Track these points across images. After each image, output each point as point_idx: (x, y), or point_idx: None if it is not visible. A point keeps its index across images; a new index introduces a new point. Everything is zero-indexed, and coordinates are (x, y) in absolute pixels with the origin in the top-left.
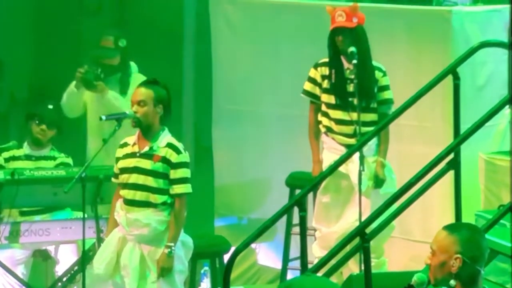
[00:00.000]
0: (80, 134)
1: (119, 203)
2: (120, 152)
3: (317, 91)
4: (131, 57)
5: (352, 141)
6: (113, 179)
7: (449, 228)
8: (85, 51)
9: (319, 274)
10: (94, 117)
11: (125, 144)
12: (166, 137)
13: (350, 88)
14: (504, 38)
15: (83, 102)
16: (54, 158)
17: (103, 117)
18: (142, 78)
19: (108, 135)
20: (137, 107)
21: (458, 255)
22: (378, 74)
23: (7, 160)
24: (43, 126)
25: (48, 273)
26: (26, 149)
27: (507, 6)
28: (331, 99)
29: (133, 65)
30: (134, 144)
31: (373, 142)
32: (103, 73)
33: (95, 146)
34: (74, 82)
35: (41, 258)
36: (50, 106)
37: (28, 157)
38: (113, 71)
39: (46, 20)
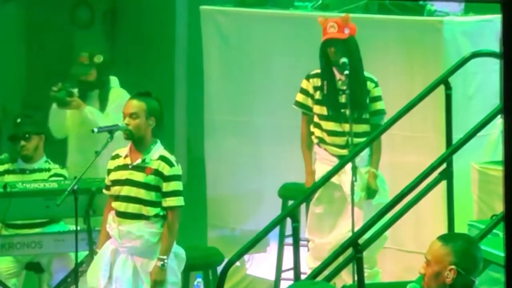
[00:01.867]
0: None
1: (111, 216)
2: (112, 164)
3: (309, 102)
4: (110, 72)
5: (344, 152)
6: (104, 191)
7: (444, 238)
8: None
9: None
10: (74, 134)
11: (117, 156)
12: (158, 149)
13: (342, 99)
14: (496, 48)
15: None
16: (48, 170)
17: (95, 129)
18: (122, 92)
19: (101, 147)
20: (129, 120)
21: (453, 266)
22: (370, 85)
23: (1, 173)
24: (22, 142)
25: (40, 286)
26: (20, 164)
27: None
28: (323, 110)
29: (113, 79)
30: (126, 156)
31: (365, 152)
32: (82, 89)
33: (75, 162)
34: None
35: (34, 271)
36: (19, 120)
37: (22, 171)
38: (91, 87)
39: (38, 33)
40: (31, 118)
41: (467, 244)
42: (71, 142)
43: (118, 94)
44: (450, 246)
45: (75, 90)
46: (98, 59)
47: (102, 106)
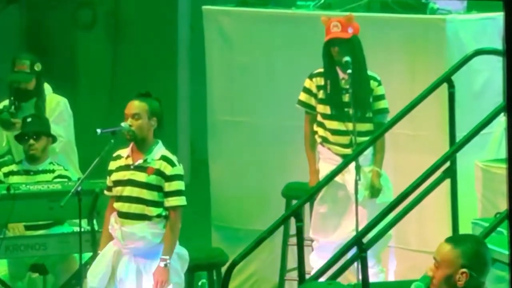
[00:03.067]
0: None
1: (113, 217)
2: (113, 165)
3: (312, 101)
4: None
5: (348, 151)
6: (106, 192)
7: (453, 241)
8: (80, 64)
9: None
10: (18, 151)
11: (118, 157)
12: (160, 149)
13: (346, 98)
14: (499, 45)
15: (6, 138)
16: (52, 171)
17: (98, 131)
18: (58, 98)
19: (104, 150)
20: (131, 120)
21: (465, 270)
22: (373, 84)
23: (6, 175)
24: (30, 141)
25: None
26: (24, 165)
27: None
28: (327, 110)
29: (47, 86)
30: (128, 156)
31: (369, 151)
32: (18, 99)
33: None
34: None
35: (38, 273)
36: (29, 119)
37: (26, 172)
38: (28, 96)
39: (39, 35)
40: (41, 118)
41: (478, 246)
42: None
43: (54, 101)
44: (461, 248)
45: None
46: (38, 67)
47: (39, 117)
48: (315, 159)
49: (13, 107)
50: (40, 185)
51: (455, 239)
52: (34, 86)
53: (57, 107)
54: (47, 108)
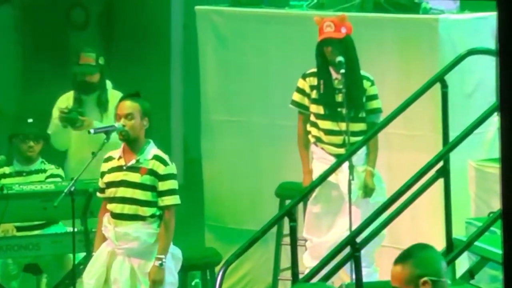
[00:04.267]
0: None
1: (106, 218)
2: (105, 166)
3: (305, 101)
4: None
5: (341, 151)
6: (98, 194)
7: (400, 259)
8: (73, 65)
9: None
10: (76, 146)
11: (110, 158)
12: (152, 149)
13: (339, 98)
14: (492, 45)
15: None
16: (44, 171)
17: (92, 131)
18: (119, 94)
19: (97, 149)
20: (124, 120)
21: (424, 278)
22: (366, 84)
23: None
24: (30, 143)
25: (39, 287)
26: (16, 166)
27: (494, 13)
28: (320, 110)
29: (108, 82)
30: (120, 157)
31: (362, 151)
32: (81, 91)
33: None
34: (56, 118)
35: (32, 273)
36: (30, 120)
37: (18, 173)
38: (92, 89)
39: (33, 35)
40: (40, 121)
41: (423, 251)
42: (73, 153)
43: (116, 96)
44: (410, 262)
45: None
46: (102, 60)
47: (103, 109)
48: (308, 159)
49: (76, 106)
50: (33, 185)
51: (400, 257)
52: (98, 80)
53: (111, 101)
54: (110, 104)
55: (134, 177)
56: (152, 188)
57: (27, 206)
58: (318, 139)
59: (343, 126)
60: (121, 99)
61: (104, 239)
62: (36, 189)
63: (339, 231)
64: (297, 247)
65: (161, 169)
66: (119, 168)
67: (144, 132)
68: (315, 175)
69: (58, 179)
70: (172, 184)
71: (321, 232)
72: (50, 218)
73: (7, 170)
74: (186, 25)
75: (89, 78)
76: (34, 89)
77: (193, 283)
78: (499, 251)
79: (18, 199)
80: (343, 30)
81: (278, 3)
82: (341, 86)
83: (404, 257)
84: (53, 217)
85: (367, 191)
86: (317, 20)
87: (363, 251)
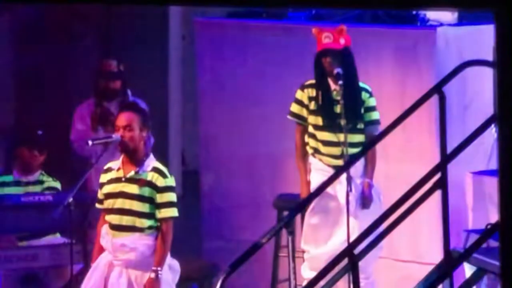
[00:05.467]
0: (69, 158)
1: (104, 229)
2: (104, 178)
3: (304, 112)
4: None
5: (339, 162)
6: (97, 205)
7: None
8: (71, 75)
9: None
10: None
11: (109, 170)
12: (151, 161)
13: (337, 109)
14: (489, 57)
15: None
16: (42, 182)
17: (90, 142)
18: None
19: (95, 161)
20: (123, 132)
21: None
22: (364, 95)
23: None
24: (35, 152)
25: None
26: (14, 176)
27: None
28: (318, 121)
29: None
30: (119, 169)
31: (360, 163)
32: (103, 98)
33: None
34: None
35: (30, 284)
36: (40, 132)
37: (17, 183)
38: (113, 96)
39: (31, 45)
40: (48, 136)
41: None
42: None
43: None
44: None
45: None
46: (122, 68)
47: None
48: (306, 170)
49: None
50: (31, 196)
51: None
52: (120, 86)
53: None
54: None
55: (133, 188)
56: (150, 200)
57: (25, 217)
58: (316, 150)
59: (341, 137)
60: (121, 110)
61: (102, 250)
62: (34, 200)
63: (337, 243)
64: (295, 258)
65: (159, 181)
66: (117, 180)
67: (144, 144)
68: (313, 186)
69: (56, 191)
70: (171, 196)
71: (318, 244)
72: (48, 229)
73: (6, 179)
74: (184, 36)
75: (112, 84)
76: (33, 100)
77: None
78: (497, 263)
79: (16, 210)
80: (342, 41)
81: (277, 15)
82: (339, 97)
83: None
84: (51, 228)
85: (365, 202)
86: (316, 32)
87: (360, 263)
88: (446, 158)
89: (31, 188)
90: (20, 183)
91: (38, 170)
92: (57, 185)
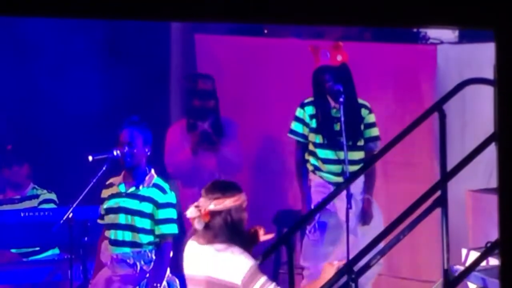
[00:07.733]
0: (60, 169)
1: (104, 244)
2: (106, 193)
3: (305, 131)
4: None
5: (340, 179)
6: (98, 221)
7: None
8: (70, 93)
9: None
10: None
11: (111, 185)
12: (152, 177)
13: (337, 127)
14: (490, 75)
15: None
16: (37, 196)
17: (90, 158)
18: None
19: (96, 176)
20: (126, 148)
21: None
22: (364, 112)
23: None
24: (14, 167)
25: None
26: (8, 195)
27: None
28: (319, 139)
29: None
30: (120, 184)
31: (360, 179)
32: (199, 117)
33: None
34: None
35: None
36: (9, 146)
37: (11, 201)
38: (206, 115)
39: (32, 60)
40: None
41: None
42: None
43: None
44: None
45: None
46: (215, 87)
47: (218, 134)
48: (306, 187)
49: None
50: (31, 212)
51: None
52: (213, 106)
53: None
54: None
55: (133, 204)
56: (150, 216)
57: (24, 233)
58: (317, 168)
59: (341, 155)
60: (124, 126)
61: (102, 266)
62: (33, 215)
63: (337, 260)
64: (295, 275)
65: (160, 198)
66: (118, 195)
67: (146, 160)
68: (313, 203)
69: (52, 205)
70: (170, 213)
71: (318, 260)
72: (47, 245)
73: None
74: (185, 52)
75: (206, 104)
76: (31, 115)
77: None
78: (496, 281)
79: (15, 226)
80: (339, 58)
81: (277, 32)
82: (339, 115)
83: None
84: (50, 243)
85: (365, 219)
86: (312, 49)
87: (361, 279)
88: (446, 175)
89: (27, 204)
90: (15, 201)
91: (29, 184)
92: (53, 196)
